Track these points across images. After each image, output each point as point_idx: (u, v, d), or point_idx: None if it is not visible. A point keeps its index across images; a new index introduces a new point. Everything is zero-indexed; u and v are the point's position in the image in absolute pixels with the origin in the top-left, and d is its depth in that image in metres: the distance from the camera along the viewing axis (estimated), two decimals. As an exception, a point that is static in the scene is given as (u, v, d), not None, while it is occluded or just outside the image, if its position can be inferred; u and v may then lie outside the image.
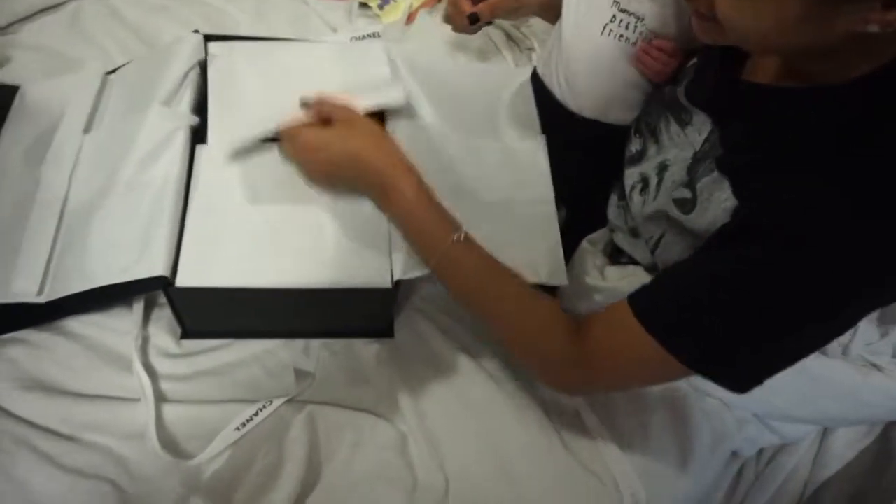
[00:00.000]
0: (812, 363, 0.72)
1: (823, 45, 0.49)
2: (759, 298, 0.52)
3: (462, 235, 0.63)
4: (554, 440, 0.73)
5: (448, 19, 0.98)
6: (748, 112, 0.61)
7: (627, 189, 0.76)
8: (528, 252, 0.75)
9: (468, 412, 0.73)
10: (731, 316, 0.53)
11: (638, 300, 0.58)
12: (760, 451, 0.87)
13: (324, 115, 0.68)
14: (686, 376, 0.56)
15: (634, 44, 0.80)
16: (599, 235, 0.84)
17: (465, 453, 0.71)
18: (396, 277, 0.68)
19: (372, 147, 0.65)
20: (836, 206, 0.49)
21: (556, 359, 0.62)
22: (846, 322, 0.53)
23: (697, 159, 0.66)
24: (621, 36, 0.80)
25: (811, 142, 0.53)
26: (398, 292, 0.72)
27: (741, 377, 0.55)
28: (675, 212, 0.66)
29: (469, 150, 0.81)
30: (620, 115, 0.84)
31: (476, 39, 0.94)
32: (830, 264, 0.49)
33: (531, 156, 0.83)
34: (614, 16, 0.80)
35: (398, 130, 0.77)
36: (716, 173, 0.61)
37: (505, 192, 0.79)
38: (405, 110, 0.79)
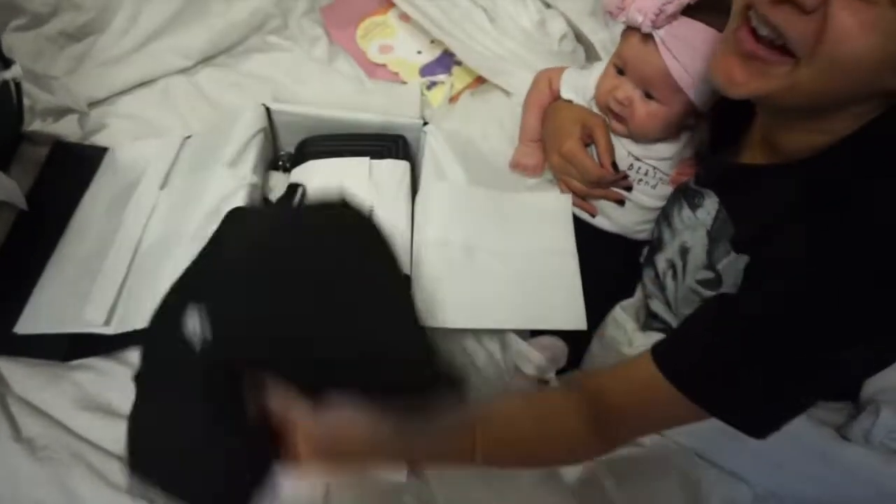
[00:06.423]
0: (834, 448, 0.73)
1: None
2: (770, 335, 0.54)
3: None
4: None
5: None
6: (746, 188, 0.68)
7: (661, 275, 0.80)
8: (549, 299, 0.79)
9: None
10: (746, 351, 0.55)
11: (658, 351, 0.59)
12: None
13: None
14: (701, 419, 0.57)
15: (654, 186, 0.86)
16: (631, 302, 0.86)
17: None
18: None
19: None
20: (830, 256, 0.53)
21: (583, 450, 0.64)
22: (853, 367, 0.56)
23: (713, 239, 0.71)
24: (640, 180, 0.87)
25: (799, 206, 0.59)
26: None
27: (758, 420, 0.55)
28: (702, 291, 0.71)
29: (493, 201, 0.86)
30: (642, 233, 0.90)
31: (514, 119, 1.00)
32: (832, 302, 0.52)
33: (554, 208, 0.88)
34: (632, 164, 0.86)
35: (427, 189, 0.84)
36: (733, 254, 0.66)
37: (526, 240, 0.84)
38: (436, 171, 0.86)
